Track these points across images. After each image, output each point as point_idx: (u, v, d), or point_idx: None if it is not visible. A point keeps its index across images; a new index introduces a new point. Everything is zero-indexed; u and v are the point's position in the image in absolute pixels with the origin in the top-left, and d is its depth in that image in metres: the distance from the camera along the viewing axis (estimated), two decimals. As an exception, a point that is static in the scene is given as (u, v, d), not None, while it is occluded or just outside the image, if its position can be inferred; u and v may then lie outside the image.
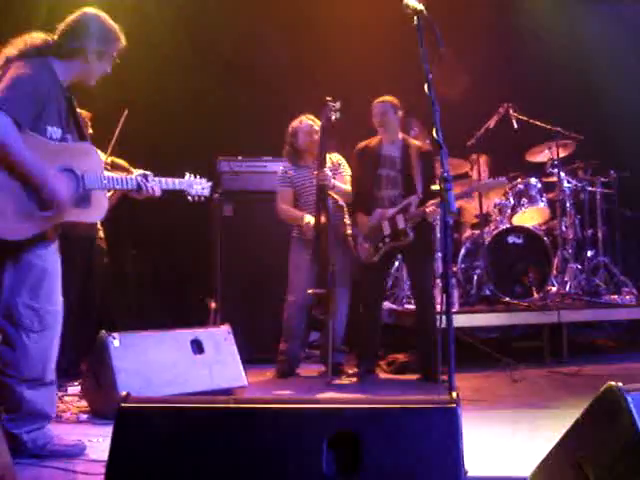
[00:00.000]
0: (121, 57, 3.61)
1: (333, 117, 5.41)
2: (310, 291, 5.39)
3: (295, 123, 5.78)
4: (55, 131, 3.32)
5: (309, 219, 5.51)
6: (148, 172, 3.68)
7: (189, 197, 3.90)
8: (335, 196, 5.51)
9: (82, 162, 3.39)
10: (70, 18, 3.45)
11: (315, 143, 5.65)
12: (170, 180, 3.78)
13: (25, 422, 3.36)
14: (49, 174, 3.22)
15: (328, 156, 5.70)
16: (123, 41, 3.53)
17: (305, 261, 5.58)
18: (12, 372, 3.31)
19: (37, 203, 3.22)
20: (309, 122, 5.73)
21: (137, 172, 3.67)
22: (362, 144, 5.68)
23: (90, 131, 5.20)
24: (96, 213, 3.48)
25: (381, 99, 5.57)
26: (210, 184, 4.02)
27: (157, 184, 3.66)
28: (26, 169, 3.15)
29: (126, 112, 5.16)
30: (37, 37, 3.40)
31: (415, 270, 5.58)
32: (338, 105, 5.40)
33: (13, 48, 3.35)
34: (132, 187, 3.59)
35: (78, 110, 3.59)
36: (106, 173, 3.53)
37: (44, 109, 3.25)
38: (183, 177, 3.89)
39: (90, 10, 3.49)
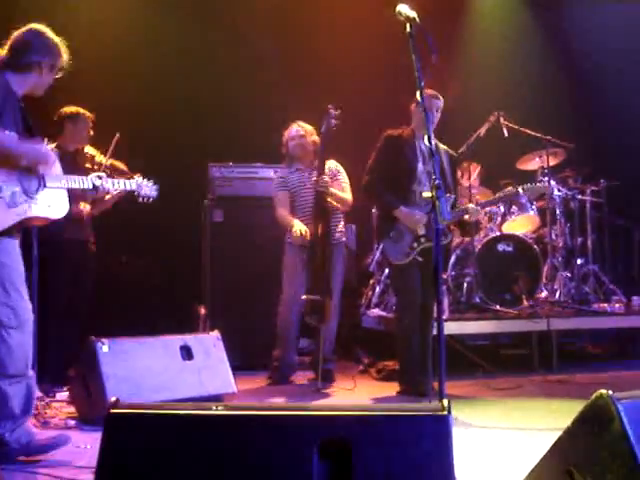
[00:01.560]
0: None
1: (333, 124, 5.45)
2: (304, 297, 5.36)
3: (286, 131, 5.83)
4: (12, 136, 3.44)
5: (297, 227, 5.45)
6: (102, 174, 4.03)
7: (139, 198, 4.25)
8: (334, 203, 5.53)
9: None
10: (19, 34, 3.62)
11: (302, 147, 5.71)
12: (122, 181, 4.19)
13: (7, 420, 3.40)
14: (27, 145, 3.49)
15: (326, 163, 5.73)
16: (66, 55, 3.70)
17: (298, 267, 5.57)
18: None
19: (8, 199, 3.39)
20: (296, 128, 5.77)
21: (91, 175, 3.96)
22: (394, 132, 5.24)
23: (90, 132, 5.29)
24: (59, 210, 3.67)
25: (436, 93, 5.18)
26: (157, 187, 4.35)
27: (110, 184, 4.01)
28: (13, 153, 3.40)
29: (117, 135, 5.23)
30: None
31: (428, 278, 5.12)
32: (339, 112, 5.44)
33: None
34: (88, 187, 3.88)
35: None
36: (64, 174, 3.75)
37: (1, 115, 3.39)
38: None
39: (37, 26, 3.65)
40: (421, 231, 5.11)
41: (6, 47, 3.60)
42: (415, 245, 5.10)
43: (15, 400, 3.42)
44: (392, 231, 5.14)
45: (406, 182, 5.16)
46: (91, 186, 3.87)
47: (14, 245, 3.52)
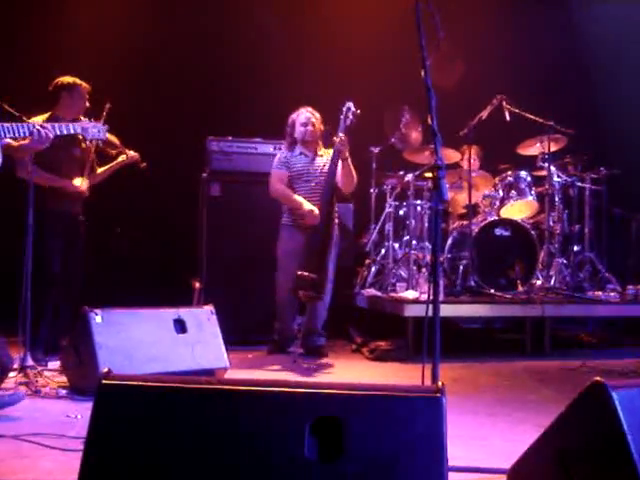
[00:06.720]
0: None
1: (352, 121, 5.43)
2: (300, 273, 5.36)
3: (294, 115, 5.83)
4: None
5: (309, 206, 5.54)
6: (43, 123, 3.92)
7: (87, 142, 4.25)
8: (350, 167, 5.57)
9: None
10: None
11: (312, 134, 5.74)
12: (64, 125, 4.01)
13: None
14: None
15: (325, 151, 5.80)
16: None
17: (297, 247, 5.61)
18: None
19: None
20: (307, 114, 5.77)
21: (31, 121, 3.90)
22: None
23: (87, 104, 5.19)
24: None
25: None
26: (106, 127, 4.29)
27: (51, 130, 3.84)
28: None
29: (108, 105, 5.10)
30: None
31: None
32: (358, 112, 5.42)
33: None
34: (25, 134, 3.77)
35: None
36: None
37: None
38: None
39: None
40: None
41: None
42: None
43: None
44: None
45: None
46: (27, 133, 3.75)
47: None
